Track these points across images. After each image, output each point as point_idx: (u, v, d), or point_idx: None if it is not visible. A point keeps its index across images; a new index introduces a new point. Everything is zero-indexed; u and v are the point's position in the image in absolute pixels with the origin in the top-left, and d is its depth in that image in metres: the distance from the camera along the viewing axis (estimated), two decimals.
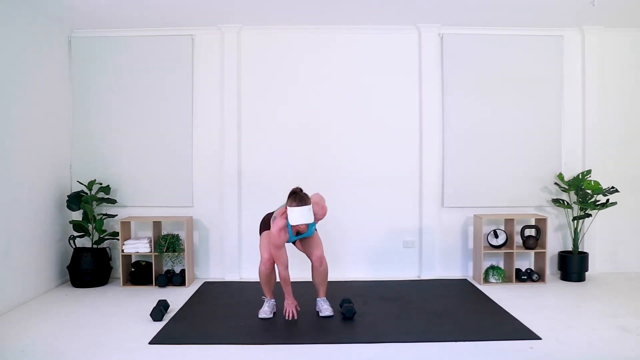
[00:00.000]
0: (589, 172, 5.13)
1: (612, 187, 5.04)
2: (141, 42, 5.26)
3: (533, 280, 5.01)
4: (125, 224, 5.06)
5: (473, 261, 5.24)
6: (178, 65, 5.27)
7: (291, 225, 3.71)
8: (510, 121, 5.30)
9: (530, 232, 5.21)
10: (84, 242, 5.22)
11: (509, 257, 5.10)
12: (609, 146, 5.38)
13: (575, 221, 5.10)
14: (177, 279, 4.97)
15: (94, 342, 3.44)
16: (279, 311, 4.03)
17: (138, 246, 4.97)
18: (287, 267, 3.81)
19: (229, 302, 4.40)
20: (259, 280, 3.97)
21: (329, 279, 4.11)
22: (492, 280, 5.00)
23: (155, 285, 4.95)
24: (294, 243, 4.10)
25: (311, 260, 3.95)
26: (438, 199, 5.31)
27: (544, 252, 5.00)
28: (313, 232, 3.94)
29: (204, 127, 5.30)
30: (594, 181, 4.99)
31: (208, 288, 4.88)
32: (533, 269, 5.19)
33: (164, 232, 5.28)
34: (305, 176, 5.08)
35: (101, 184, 5.20)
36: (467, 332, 3.56)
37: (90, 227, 5.07)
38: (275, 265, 3.86)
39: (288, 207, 3.62)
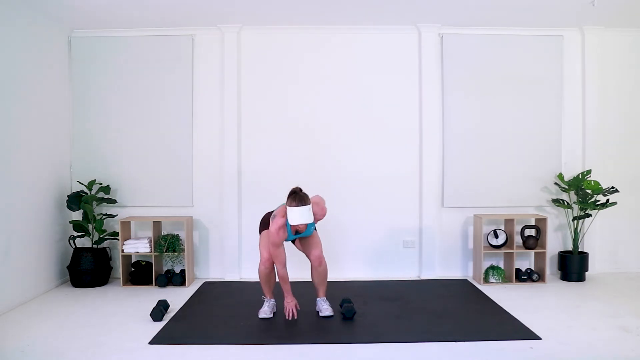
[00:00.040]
0: (589, 172, 5.13)
1: (612, 187, 5.04)
2: (141, 42, 5.27)
3: (533, 280, 5.01)
4: (125, 224, 5.06)
5: (473, 261, 5.24)
6: (178, 65, 5.27)
7: (290, 225, 3.71)
8: (510, 121, 5.30)
9: (530, 232, 5.21)
10: (84, 242, 5.22)
11: (509, 257, 5.10)
12: (609, 146, 5.38)
13: (575, 221, 5.10)
14: (177, 279, 4.97)
15: (94, 342, 3.44)
16: (279, 311, 4.03)
17: (138, 246, 4.97)
18: (285, 266, 3.81)
19: (229, 302, 4.40)
20: (258, 280, 3.97)
21: (329, 279, 4.11)
22: (492, 280, 5.00)
23: (155, 285, 4.95)
24: (293, 242, 4.11)
25: (310, 260, 3.95)
26: (438, 199, 5.31)
27: (544, 252, 5.00)
28: (312, 231, 3.94)
29: (204, 127, 5.30)
30: (594, 181, 4.99)
31: (208, 288, 4.88)
32: (533, 269, 5.19)
33: (164, 232, 5.28)
34: (305, 176, 5.09)
35: (101, 184, 5.20)
36: (467, 332, 3.56)
37: (90, 227, 5.07)
38: (274, 263, 3.86)
39: (288, 207, 3.62)
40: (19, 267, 4.36)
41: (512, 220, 5.09)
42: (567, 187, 5.15)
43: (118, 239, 5.09)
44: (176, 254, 5.07)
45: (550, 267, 5.30)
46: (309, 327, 3.74)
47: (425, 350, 3.28)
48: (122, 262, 4.98)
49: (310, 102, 5.29)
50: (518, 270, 5.08)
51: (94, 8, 4.65)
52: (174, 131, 5.28)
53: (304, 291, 4.30)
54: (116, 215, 5.23)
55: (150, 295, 4.61)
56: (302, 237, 3.97)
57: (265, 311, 3.95)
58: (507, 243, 5.09)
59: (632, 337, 3.45)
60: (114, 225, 5.27)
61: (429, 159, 5.26)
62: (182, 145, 5.28)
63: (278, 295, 4.08)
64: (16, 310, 4.19)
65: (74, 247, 5.04)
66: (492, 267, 5.04)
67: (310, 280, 4.06)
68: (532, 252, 5.23)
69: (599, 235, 5.36)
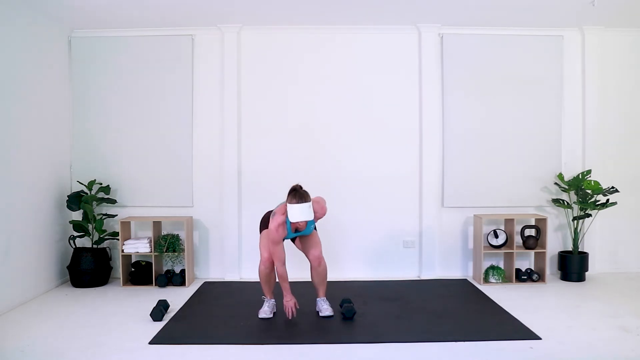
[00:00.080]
0: (589, 172, 5.13)
1: (612, 187, 5.04)
2: (141, 42, 5.27)
3: (533, 280, 5.01)
4: (125, 224, 5.06)
5: (473, 261, 5.24)
6: (178, 65, 5.27)
7: (290, 222, 3.71)
8: (510, 121, 5.30)
9: (530, 232, 5.21)
10: (84, 242, 5.22)
11: (509, 257, 5.10)
12: (609, 146, 5.38)
13: (575, 221, 5.10)
14: (177, 279, 4.97)
15: (94, 342, 3.44)
16: (279, 311, 4.03)
17: (138, 246, 4.97)
18: (284, 264, 3.80)
19: (229, 302, 4.40)
20: (259, 280, 3.97)
21: (328, 279, 4.11)
22: (492, 280, 5.00)
23: (155, 285, 4.95)
24: (293, 241, 4.11)
25: (309, 260, 3.95)
26: (438, 199, 5.31)
27: (544, 252, 5.00)
28: (312, 230, 3.94)
29: (204, 127, 5.30)
30: (594, 181, 4.99)
31: (208, 288, 4.88)
32: (533, 269, 5.19)
33: (164, 232, 5.28)
34: (305, 176, 5.07)
35: (101, 184, 5.20)
36: (467, 332, 3.56)
37: (90, 227, 5.07)
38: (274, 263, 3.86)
39: (288, 204, 3.62)
40: (19, 267, 4.36)
41: (512, 220, 5.09)
42: (567, 187, 5.15)
43: (118, 239, 5.09)
44: (176, 254, 5.07)
45: (550, 267, 5.30)
46: (309, 327, 3.74)
47: (425, 350, 3.28)
48: (122, 262, 4.98)
49: (310, 102, 5.29)
50: (518, 270, 5.08)
51: (94, 8, 4.66)
52: (174, 131, 5.28)
53: (304, 291, 4.30)
54: (116, 215, 5.23)
55: (150, 295, 4.61)
56: (302, 235, 3.97)
57: (265, 311, 3.95)
58: (507, 243, 5.09)
59: (632, 337, 3.45)
60: (114, 225, 5.27)
61: (429, 159, 5.26)
62: (182, 145, 5.28)
63: (278, 295, 4.08)
64: (16, 310, 4.19)
65: (74, 247, 5.04)
66: (492, 267, 5.04)
67: (310, 280, 4.06)
68: (532, 252, 5.23)
69: (599, 235, 5.36)
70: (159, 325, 3.78)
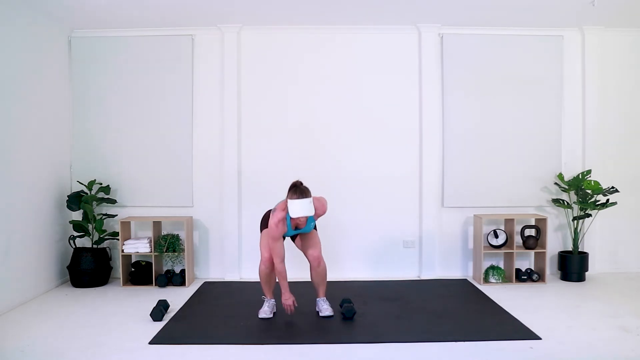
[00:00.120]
0: (589, 172, 5.13)
1: (612, 187, 5.04)
2: (141, 42, 5.27)
3: (533, 280, 5.01)
4: (125, 224, 5.06)
5: (473, 261, 5.24)
6: (178, 65, 5.27)
7: (290, 219, 3.71)
8: (510, 121, 5.30)
9: (530, 232, 5.21)
10: (84, 242, 5.22)
11: (509, 257, 5.10)
12: (609, 146, 5.38)
13: (575, 221, 5.10)
14: (177, 279, 4.97)
15: (94, 342, 3.44)
16: (279, 311, 4.03)
17: (138, 246, 4.97)
18: (283, 261, 3.79)
19: (229, 302, 4.40)
20: (259, 280, 3.98)
21: (328, 279, 4.11)
22: (492, 280, 4.99)
23: (155, 285, 4.95)
24: (293, 240, 4.10)
25: (309, 260, 3.95)
26: (438, 199, 5.31)
27: (544, 252, 5.00)
28: (312, 228, 3.94)
29: (204, 127, 5.30)
30: (594, 181, 4.99)
31: (208, 288, 4.88)
32: (533, 269, 5.19)
33: (164, 232, 5.28)
34: (305, 176, 4.99)
35: (101, 184, 5.20)
36: (467, 332, 3.56)
37: (90, 227, 5.07)
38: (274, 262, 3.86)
39: (288, 200, 3.62)
40: (19, 267, 4.36)
41: (512, 220, 5.09)
42: (567, 187, 5.15)
43: (118, 239, 5.09)
44: (176, 254, 5.07)
45: (550, 267, 5.30)
46: (309, 327, 3.74)
47: (425, 350, 3.28)
48: (122, 262, 4.98)
49: (310, 102, 5.29)
50: (518, 270, 5.08)
51: (94, 8, 4.66)
52: (174, 131, 5.28)
53: (304, 291, 4.30)
54: (116, 215, 5.23)
55: (150, 295, 4.61)
56: (302, 235, 3.97)
57: (265, 311, 3.95)
58: (507, 243, 5.09)
59: (632, 337, 3.45)
60: (114, 225, 5.27)
61: (429, 159, 5.26)
62: (182, 145, 5.28)
63: (278, 296, 4.07)
64: (16, 310, 4.19)
65: (74, 247, 5.04)
66: (492, 267, 5.04)
67: (310, 280, 4.06)
68: (532, 252, 5.23)
69: (599, 235, 5.36)
70: (159, 325, 3.78)
